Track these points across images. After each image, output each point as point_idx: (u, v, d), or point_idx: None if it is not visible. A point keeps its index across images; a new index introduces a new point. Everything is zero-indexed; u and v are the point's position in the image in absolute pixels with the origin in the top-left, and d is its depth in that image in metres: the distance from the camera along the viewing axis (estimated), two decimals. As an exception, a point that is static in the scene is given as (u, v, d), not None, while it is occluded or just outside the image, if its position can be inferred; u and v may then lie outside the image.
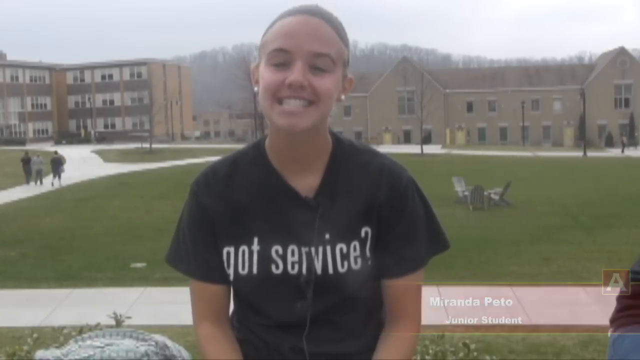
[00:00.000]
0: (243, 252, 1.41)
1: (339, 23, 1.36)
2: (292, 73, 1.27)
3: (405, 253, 1.41)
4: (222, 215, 1.43)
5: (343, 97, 1.39)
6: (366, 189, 1.40)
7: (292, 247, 1.39)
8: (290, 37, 1.29)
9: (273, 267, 1.39)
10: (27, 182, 31.55)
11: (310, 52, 1.29)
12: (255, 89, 1.36)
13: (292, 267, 1.39)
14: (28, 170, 31.81)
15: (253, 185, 1.42)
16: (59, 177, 30.88)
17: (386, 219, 1.40)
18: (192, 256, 1.45)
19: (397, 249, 1.40)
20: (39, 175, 31.45)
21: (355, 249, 1.39)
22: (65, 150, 37.59)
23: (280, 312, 1.41)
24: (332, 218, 1.39)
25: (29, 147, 59.80)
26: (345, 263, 1.38)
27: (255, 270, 1.40)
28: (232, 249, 1.42)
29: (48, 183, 30.81)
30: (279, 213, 1.40)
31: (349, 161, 1.42)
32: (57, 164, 31.33)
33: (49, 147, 53.35)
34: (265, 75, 1.31)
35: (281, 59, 1.29)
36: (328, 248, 1.38)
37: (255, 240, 1.41)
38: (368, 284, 1.41)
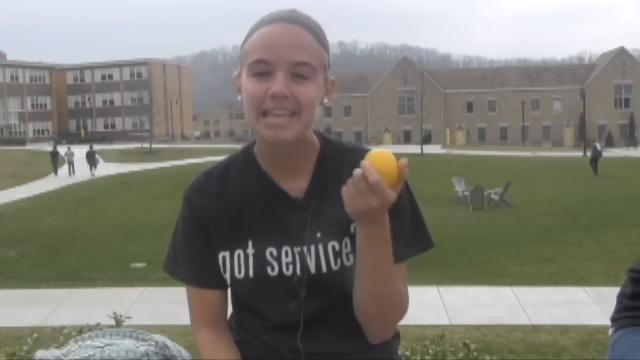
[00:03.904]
0: (238, 256, 1.42)
1: (318, 27, 1.36)
2: (274, 84, 1.28)
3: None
4: (216, 217, 1.44)
5: (326, 100, 1.40)
6: None
7: (285, 248, 1.40)
8: (270, 47, 1.29)
9: (269, 270, 1.40)
10: (55, 173, 34.87)
11: (291, 61, 1.29)
12: (239, 97, 1.36)
13: (287, 268, 1.40)
14: (55, 162, 34.90)
15: (245, 188, 1.43)
16: (95, 167, 34.90)
17: None
18: (188, 263, 1.46)
19: None
20: (72, 166, 34.94)
21: (347, 246, 1.40)
22: (63, 151, 37.53)
23: (277, 313, 1.41)
24: (323, 217, 1.40)
25: (29, 147, 59.95)
26: (339, 260, 1.39)
27: (251, 274, 1.41)
28: (227, 254, 1.43)
29: (63, 174, 34.52)
30: (271, 215, 1.42)
31: (337, 160, 1.43)
32: (92, 157, 35.22)
33: (49, 147, 53.32)
34: (248, 86, 1.31)
35: (262, 69, 1.29)
36: (320, 246, 1.39)
37: (250, 243, 1.42)
38: None
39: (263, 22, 1.34)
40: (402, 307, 1.40)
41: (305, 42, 1.31)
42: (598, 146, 32.78)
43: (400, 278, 1.43)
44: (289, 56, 1.29)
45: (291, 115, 1.30)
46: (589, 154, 45.34)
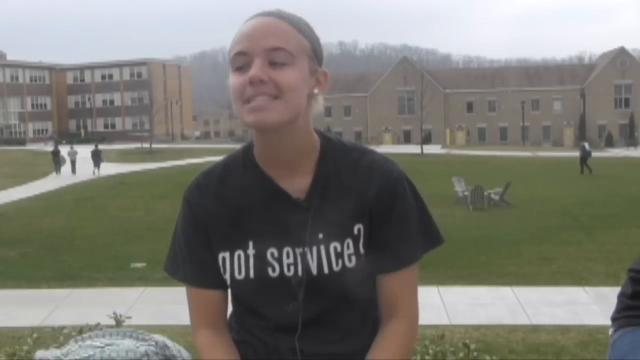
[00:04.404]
0: (239, 256, 1.42)
1: (299, 18, 1.37)
2: (251, 71, 1.30)
3: (398, 248, 1.40)
4: (216, 217, 1.43)
5: (316, 90, 1.39)
6: (357, 187, 1.40)
7: (286, 249, 1.40)
8: (246, 38, 1.31)
9: (270, 270, 1.40)
10: (57, 172, 35.04)
11: (266, 48, 1.30)
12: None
13: (288, 269, 1.39)
14: (57, 161, 35.48)
15: (245, 188, 1.43)
16: (99, 167, 34.96)
17: (378, 215, 1.40)
18: (188, 263, 1.46)
19: (390, 244, 1.40)
20: (74, 165, 35.24)
21: (348, 247, 1.39)
22: (65, 150, 37.64)
23: (277, 314, 1.41)
24: (324, 217, 1.39)
25: (30, 147, 59.93)
26: (340, 261, 1.39)
27: (252, 275, 1.40)
28: (227, 254, 1.42)
29: (65, 173, 34.74)
30: (272, 216, 1.41)
31: (338, 160, 1.43)
32: (97, 156, 35.32)
33: (49, 147, 53.39)
34: (232, 81, 1.33)
35: (241, 61, 1.31)
36: (322, 247, 1.39)
37: (251, 244, 1.41)
38: (363, 282, 1.41)
39: (244, 22, 1.37)
40: (416, 331, 1.47)
41: (280, 29, 1.32)
42: (587, 146, 33.27)
43: (410, 284, 1.44)
44: (263, 43, 1.30)
45: (273, 99, 1.30)
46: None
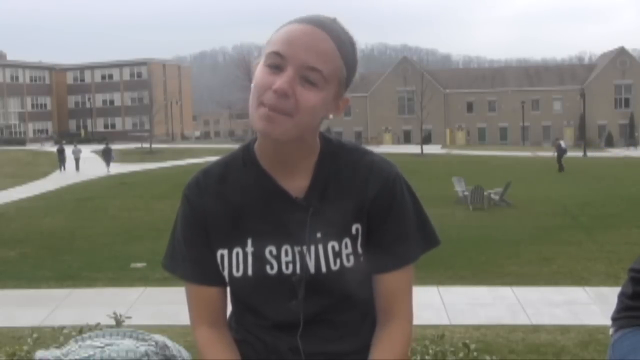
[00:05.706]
0: (237, 254, 1.42)
1: (349, 40, 1.34)
2: (280, 79, 1.28)
3: (394, 248, 1.41)
4: (215, 215, 1.43)
5: (331, 116, 1.38)
6: (355, 187, 1.41)
7: (285, 247, 1.40)
8: (288, 43, 1.29)
9: (268, 268, 1.40)
10: (60, 169, 36.18)
11: (304, 63, 1.28)
12: (253, 84, 1.36)
13: (287, 267, 1.40)
14: (62, 159, 36.49)
15: (245, 187, 1.43)
16: (109, 165, 35.84)
17: (376, 215, 1.41)
18: (188, 260, 1.46)
19: (387, 245, 1.41)
20: (78, 163, 36.26)
21: (346, 246, 1.40)
22: (72, 148, 37.98)
23: (276, 312, 1.41)
24: (323, 217, 1.40)
25: (29, 147, 59.93)
26: (338, 261, 1.39)
27: (250, 272, 1.41)
28: (225, 252, 1.43)
29: (70, 170, 35.50)
30: (271, 214, 1.41)
31: (338, 160, 1.43)
32: (108, 154, 35.98)
33: (49, 147, 53.43)
34: (258, 75, 1.32)
35: (276, 61, 1.29)
36: (320, 246, 1.39)
37: (249, 241, 1.41)
38: (362, 281, 1.42)
39: (295, 20, 1.34)
40: (412, 331, 1.45)
41: (325, 49, 1.30)
42: (562, 144, 33.89)
43: (406, 284, 1.44)
44: (303, 57, 1.28)
45: (285, 114, 1.29)
46: (584, 151, 45.60)
